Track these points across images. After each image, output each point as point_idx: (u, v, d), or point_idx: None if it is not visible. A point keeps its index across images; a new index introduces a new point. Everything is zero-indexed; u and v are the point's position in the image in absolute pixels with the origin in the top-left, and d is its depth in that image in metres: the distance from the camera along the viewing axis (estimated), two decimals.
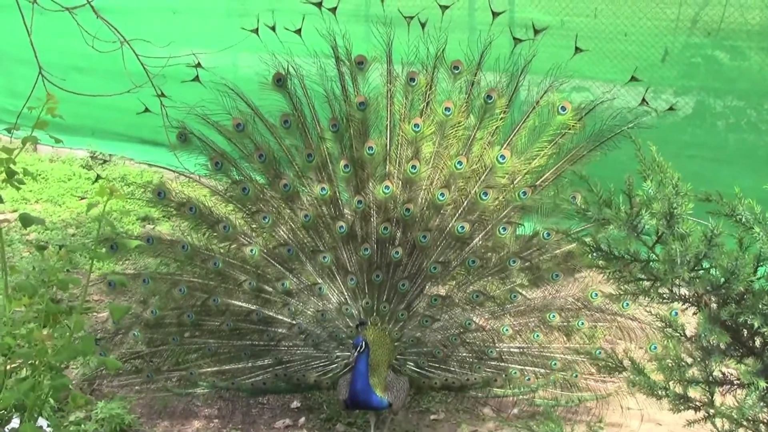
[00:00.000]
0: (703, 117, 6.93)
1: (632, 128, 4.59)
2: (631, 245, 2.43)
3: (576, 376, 4.95)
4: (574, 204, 2.54)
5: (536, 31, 4.82)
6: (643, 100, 4.71)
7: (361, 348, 4.52)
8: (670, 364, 2.44)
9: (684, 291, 2.52)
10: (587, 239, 2.52)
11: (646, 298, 2.56)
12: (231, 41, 6.09)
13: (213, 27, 9.01)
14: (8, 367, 2.86)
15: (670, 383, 2.57)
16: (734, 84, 7.03)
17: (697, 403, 2.51)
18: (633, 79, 4.99)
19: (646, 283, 2.48)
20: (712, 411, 2.48)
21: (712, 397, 2.48)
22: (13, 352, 2.77)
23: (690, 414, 2.69)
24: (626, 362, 2.66)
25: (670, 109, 4.64)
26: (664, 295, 2.46)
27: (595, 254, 2.51)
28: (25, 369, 2.81)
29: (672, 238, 2.36)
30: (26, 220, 3.05)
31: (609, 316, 4.91)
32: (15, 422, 2.91)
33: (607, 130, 4.75)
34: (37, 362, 2.65)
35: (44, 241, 7.44)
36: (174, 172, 6.21)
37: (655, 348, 4.62)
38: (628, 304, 4.83)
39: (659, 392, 2.58)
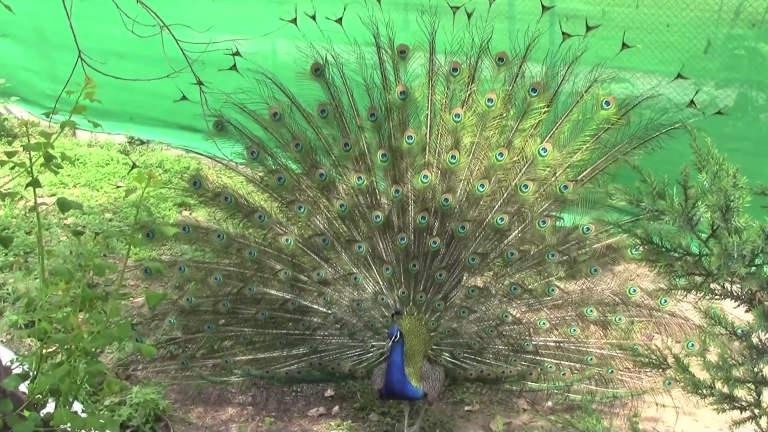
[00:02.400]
0: (745, 110, 6.80)
1: (678, 128, 4.50)
2: (685, 239, 2.36)
3: (611, 371, 4.91)
4: (628, 195, 2.47)
5: (588, 28, 4.73)
6: (692, 102, 4.61)
7: (396, 338, 4.51)
8: (717, 363, 2.37)
9: (735, 288, 2.46)
10: (638, 231, 2.46)
11: (697, 294, 2.49)
12: (270, 28, 6.07)
13: (252, 13, 8.98)
14: (44, 351, 2.87)
15: (716, 382, 2.52)
16: None
17: (743, 403, 2.45)
18: (679, 76, 4.90)
19: (698, 278, 2.41)
20: (757, 411, 2.42)
21: (759, 397, 2.42)
22: (49, 336, 2.79)
23: (733, 414, 2.64)
24: (670, 359, 2.60)
25: (719, 113, 4.51)
26: (716, 291, 2.39)
27: (646, 247, 2.45)
28: (60, 354, 2.82)
29: (728, 232, 2.29)
30: (64, 205, 3.05)
31: (646, 311, 4.86)
32: (50, 407, 2.93)
33: (652, 129, 4.67)
34: (72, 347, 2.66)
35: (81, 226, 7.48)
36: (211, 159, 6.21)
37: (693, 345, 4.54)
38: (666, 301, 4.78)
39: (704, 391, 2.52)
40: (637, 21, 6.68)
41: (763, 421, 2.52)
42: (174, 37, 4.03)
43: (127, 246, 3.23)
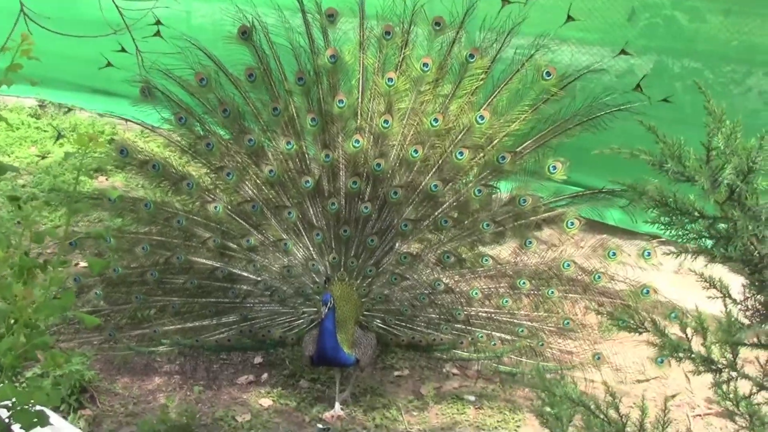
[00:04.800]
0: (662, 78, 6.93)
1: (622, 111, 4.53)
2: (708, 201, 2.36)
3: (542, 344, 4.96)
4: (650, 157, 2.46)
5: None
6: (638, 86, 4.60)
7: (330, 305, 4.49)
8: (722, 326, 2.40)
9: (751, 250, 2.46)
10: (653, 193, 2.45)
11: (706, 258, 2.50)
12: None
13: None
14: None
15: (710, 346, 2.54)
16: (692, 45, 7.07)
17: (720, 365, 2.50)
18: (623, 52, 4.98)
19: (708, 242, 2.42)
20: (734, 373, 2.47)
21: (735, 359, 2.47)
22: None
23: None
24: (647, 324, 2.63)
25: (665, 100, 4.55)
26: (728, 255, 2.40)
27: (660, 210, 2.44)
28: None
29: (750, 194, 2.30)
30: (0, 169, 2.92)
31: (580, 287, 4.91)
32: None
33: (596, 108, 4.67)
34: (13, 319, 2.56)
35: None
36: (127, 121, 6.07)
37: (676, 316, 4.53)
38: (599, 277, 4.85)
39: (681, 354, 2.56)
40: None
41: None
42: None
43: (68, 213, 3.11)
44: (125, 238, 5.00)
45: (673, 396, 4.79)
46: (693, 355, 2.50)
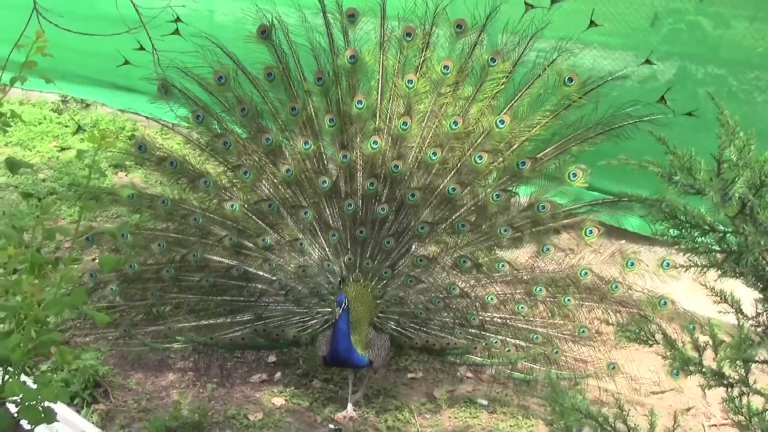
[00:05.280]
0: (684, 84, 6.88)
1: (645, 122, 4.43)
2: (719, 215, 2.32)
3: (557, 352, 4.93)
4: (659, 168, 2.42)
5: (553, 1, 4.64)
6: (662, 98, 4.52)
7: (344, 306, 4.48)
8: (732, 342, 2.37)
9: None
10: (663, 206, 2.42)
11: (717, 272, 2.47)
12: None
13: None
14: None
15: (721, 361, 2.51)
16: (716, 51, 7.01)
17: (731, 380, 2.47)
18: (647, 62, 4.93)
19: (719, 256, 2.39)
20: (746, 388, 2.44)
21: (747, 374, 2.44)
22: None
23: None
24: (658, 336, 2.60)
25: (690, 114, 4.49)
26: (739, 270, 2.37)
27: (670, 223, 2.41)
28: (7, 322, 2.71)
29: (762, 209, 2.26)
30: (14, 165, 2.92)
31: (597, 296, 4.87)
32: None
33: (619, 118, 4.60)
34: (23, 315, 2.56)
35: (13, 186, 7.26)
36: (148, 119, 6.09)
37: (694, 328, 4.48)
38: (617, 287, 4.81)
39: (691, 368, 2.53)
40: None
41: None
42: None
43: (80, 210, 3.11)
44: (142, 235, 5.01)
45: (688, 409, 4.78)
46: (704, 369, 2.47)
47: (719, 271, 2.42)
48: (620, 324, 3.82)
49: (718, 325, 2.69)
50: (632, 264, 4.81)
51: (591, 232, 4.79)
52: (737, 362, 2.41)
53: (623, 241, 5.92)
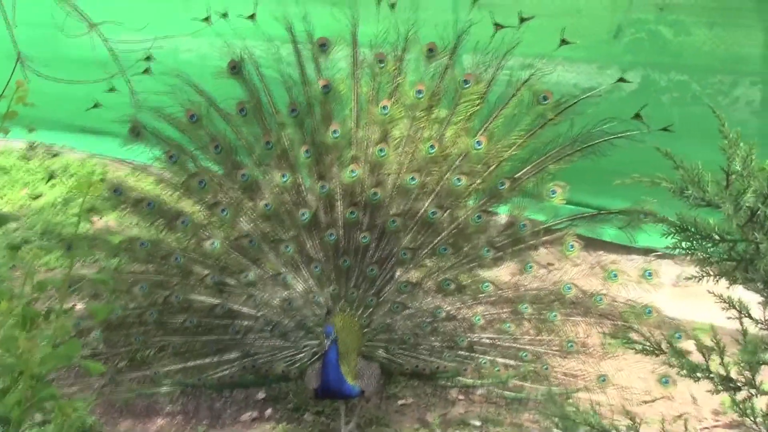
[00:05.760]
0: (648, 92, 6.97)
1: (622, 138, 4.52)
2: (731, 225, 2.34)
3: (546, 368, 4.94)
4: (669, 184, 2.44)
5: (522, 19, 4.70)
6: (637, 114, 4.54)
7: (332, 337, 4.45)
8: (745, 347, 2.39)
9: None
10: (674, 219, 2.44)
11: (728, 281, 2.49)
12: (175, 27, 5.91)
13: (156, 11, 8.74)
14: None
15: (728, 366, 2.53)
16: (678, 59, 7.11)
17: (738, 384, 2.49)
18: (621, 80, 4.99)
19: (728, 265, 2.41)
20: (754, 390, 2.46)
21: (754, 377, 2.46)
22: None
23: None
24: (664, 345, 2.62)
25: (665, 129, 4.54)
26: (750, 276, 2.39)
27: (682, 235, 2.43)
28: (4, 379, 2.66)
29: None
30: (1, 218, 2.88)
31: (582, 309, 4.88)
32: None
33: (596, 135, 4.64)
34: (20, 372, 2.52)
35: None
36: (118, 161, 6.06)
37: (680, 337, 4.52)
38: (601, 299, 4.83)
39: (699, 374, 2.55)
40: (550, 7, 6.80)
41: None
42: (102, 39, 3.88)
43: (71, 258, 3.08)
44: (123, 279, 4.95)
45: (680, 416, 4.81)
46: (712, 375, 2.49)
47: (730, 279, 2.44)
48: (626, 336, 3.84)
49: (703, 330, 2.72)
50: (615, 275, 4.84)
51: (572, 246, 4.81)
52: (744, 365, 2.42)
53: (601, 252, 5.97)
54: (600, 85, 5.60)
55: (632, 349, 2.68)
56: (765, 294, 2.40)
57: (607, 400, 4.78)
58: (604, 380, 4.88)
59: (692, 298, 6.28)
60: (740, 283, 2.42)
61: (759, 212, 2.28)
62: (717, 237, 2.34)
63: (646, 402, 4.92)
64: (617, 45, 7.20)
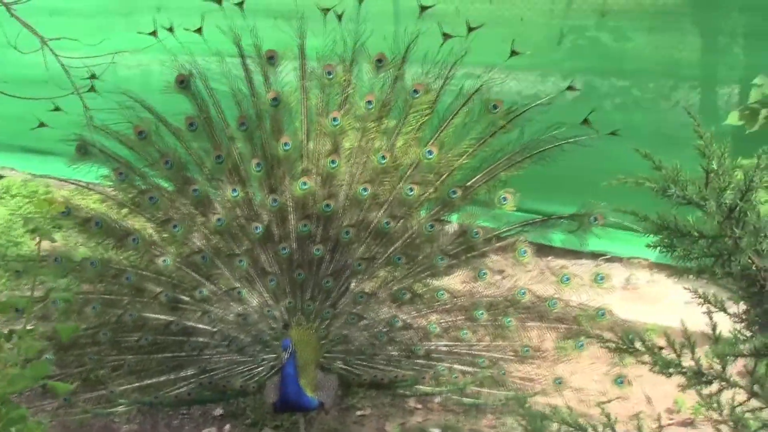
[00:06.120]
0: (591, 98, 7.08)
1: (572, 143, 4.60)
2: (709, 223, 2.39)
3: (504, 373, 4.97)
4: (652, 184, 2.49)
5: (470, 29, 4.73)
6: (586, 120, 4.63)
7: (290, 350, 4.44)
8: (727, 340, 2.44)
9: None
10: (654, 218, 2.48)
11: (707, 277, 2.54)
12: (115, 42, 5.86)
13: (95, 27, 8.64)
14: None
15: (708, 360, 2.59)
16: (619, 64, 7.24)
17: (710, 377, 2.54)
18: (570, 87, 5.04)
19: (707, 261, 2.46)
20: (725, 383, 2.51)
21: (724, 369, 2.51)
22: None
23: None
24: (637, 344, 2.66)
25: (613, 133, 4.63)
26: (730, 272, 2.44)
27: (664, 233, 2.47)
28: None
29: (749, 211, 2.34)
30: None
31: (536, 314, 4.93)
32: None
33: (545, 141, 4.68)
34: None
35: None
36: (63, 181, 5.97)
37: (632, 338, 4.60)
38: (555, 303, 4.89)
39: (672, 369, 2.59)
40: (492, 16, 6.88)
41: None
42: (54, 54, 3.83)
43: (33, 277, 3.03)
44: (74, 299, 4.88)
45: (636, 414, 4.89)
46: (684, 370, 2.54)
47: (709, 275, 2.50)
48: (601, 337, 3.92)
49: (654, 330, 2.80)
50: (568, 279, 4.90)
51: (525, 252, 4.86)
52: (717, 359, 2.48)
53: (550, 257, 6.05)
54: (543, 93, 5.72)
55: (606, 348, 2.72)
56: (741, 288, 2.47)
57: (564, 402, 4.82)
58: (560, 383, 4.94)
59: (642, 301, 6.41)
60: (719, 277, 2.49)
61: (738, 208, 2.34)
62: (696, 234, 2.40)
63: (602, 403, 4.98)
64: (559, 52, 7.31)
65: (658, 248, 2.50)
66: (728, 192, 2.35)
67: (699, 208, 2.44)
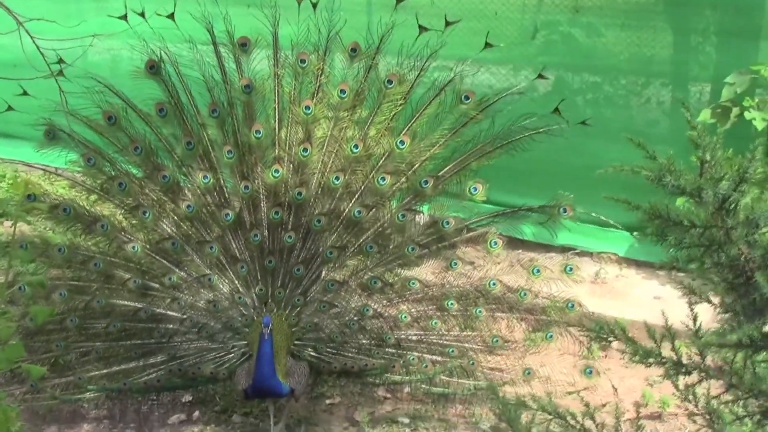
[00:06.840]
0: (562, 93, 7.12)
1: (542, 134, 4.64)
2: (702, 213, 2.42)
3: (473, 363, 5.00)
4: (647, 173, 2.50)
5: (448, 23, 4.70)
6: (556, 109, 4.65)
7: (270, 327, 4.43)
8: (716, 329, 2.47)
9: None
10: (646, 208, 2.50)
11: (696, 266, 2.57)
12: (85, 26, 5.80)
13: (65, 11, 8.54)
14: None
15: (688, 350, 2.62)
16: (591, 60, 7.29)
17: (689, 367, 2.57)
18: (540, 76, 5.05)
19: (696, 250, 2.48)
20: (704, 374, 2.54)
21: (704, 360, 2.55)
22: None
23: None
24: (617, 332, 2.69)
25: (583, 123, 4.66)
26: (719, 262, 2.46)
27: (656, 222, 2.49)
28: None
29: (741, 201, 2.36)
30: None
31: (506, 305, 4.95)
32: None
33: (515, 131, 4.70)
34: None
35: None
36: (30, 166, 5.92)
37: (601, 328, 4.62)
38: (525, 294, 4.91)
39: (652, 359, 2.62)
40: (467, 10, 6.90)
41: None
42: (31, 37, 3.79)
43: (9, 260, 3.00)
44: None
45: (603, 405, 4.95)
46: (664, 360, 2.57)
47: (697, 264, 2.53)
48: (584, 327, 3.97)
49: (622, 323, 2.83)
50: (538, 271, 4.93)
51: (495, 243, 4.88)
52: (692, 349, 2.52)
53: (520, 251, 6.08)
54: (515, 86, 5.74)
55: (583, 334, 2.75)
56: (727, 279, 2.50)
57: (531, 392, 4.86)
58: (529, 373, 4.98)
59: (610, 296, 6.47)
60: (708, 267, 2.51)
61: (731, 199, 2.37)
62: (687, 223, 2.42)
63: (569, 393, 5.03)
64: (532, 47, 7.35)
65: (649, 237, 2.52)
66: (723, 182, 2.37)
67: (692, 198, 2.46)
